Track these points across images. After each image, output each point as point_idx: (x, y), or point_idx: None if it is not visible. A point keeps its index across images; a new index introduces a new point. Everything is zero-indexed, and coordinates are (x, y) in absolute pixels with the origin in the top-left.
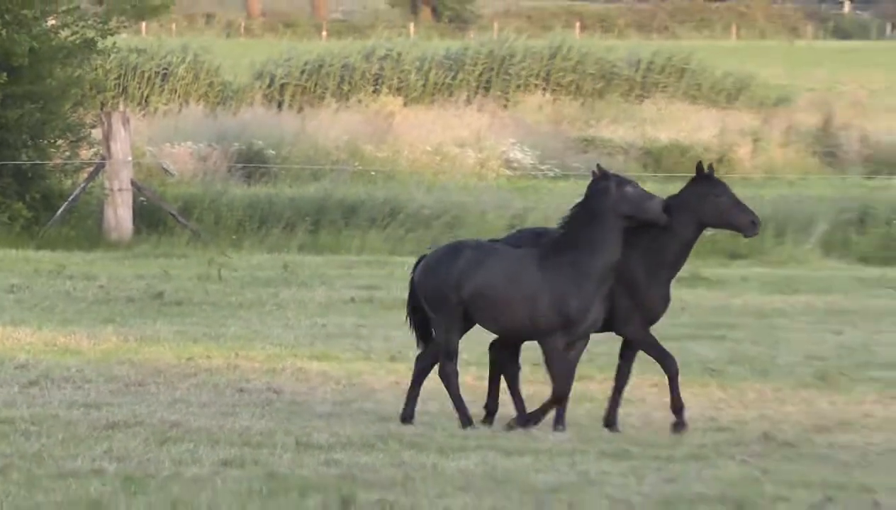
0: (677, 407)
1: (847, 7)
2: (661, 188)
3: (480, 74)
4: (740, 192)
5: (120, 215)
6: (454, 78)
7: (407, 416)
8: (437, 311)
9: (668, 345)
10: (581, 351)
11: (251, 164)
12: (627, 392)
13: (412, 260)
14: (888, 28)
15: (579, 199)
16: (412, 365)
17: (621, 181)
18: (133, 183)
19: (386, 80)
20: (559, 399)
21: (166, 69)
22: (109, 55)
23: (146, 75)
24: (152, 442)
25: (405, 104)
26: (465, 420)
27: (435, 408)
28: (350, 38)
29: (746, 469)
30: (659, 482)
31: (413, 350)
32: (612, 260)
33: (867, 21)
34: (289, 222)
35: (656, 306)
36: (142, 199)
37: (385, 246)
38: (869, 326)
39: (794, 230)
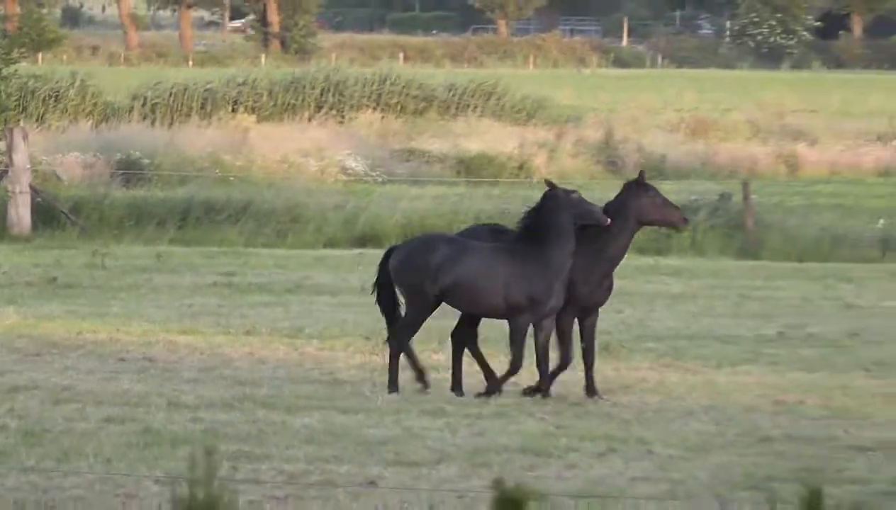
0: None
1: (625, 41)
2: (472, 191)
3: (320, 96)
4: (538, 194)
5: (21, 214)
6: (298, 99)
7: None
8: (411, 296)
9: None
10: (550, 331)
11: (129, 170)
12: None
13: (264, 251)
14: (659, 59)
15: (533, 205)
16: (264, 338)
17: (567, 191)
18: (31, 187)
19: (242, 101)
20: (516, 370)
21: (58, 92)
22: (11, 80)
23: (42, 97)
24: (47, 402)
25: (258, 121)
26: (393, 387)
27: (283, 374)
28: (212, 66)
29: (543, 425)
30: (470, 435)
31: (267, 326)
32: (568, 252)
33: (642, 53)
34: (161, 219)
35: (597, 294)
36: (39, 199)
37: (240, 239)
38: (644, 306)
39: None
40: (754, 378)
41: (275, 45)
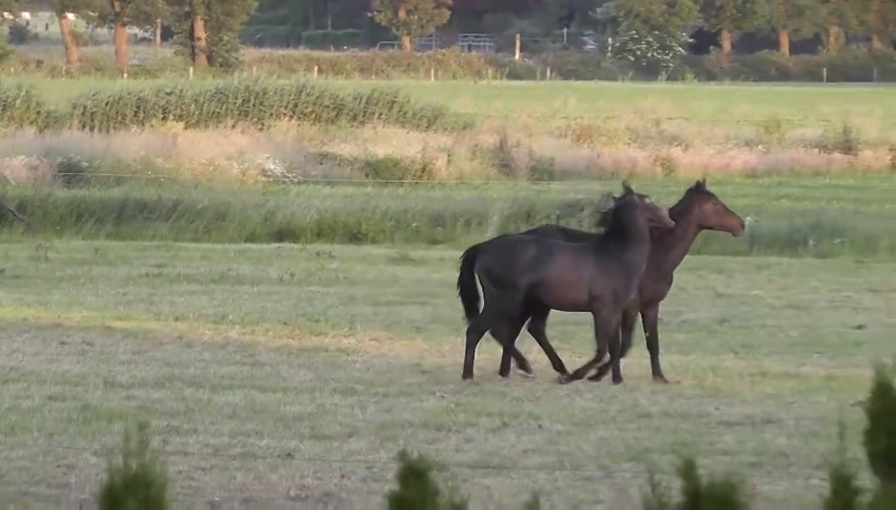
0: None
1: (518, 56)
2: (379, 191)
3: (242, 105)
4: (439, 194)
5: None
6: (222, 108)
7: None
8: (500, 291)
9: (383, 311)
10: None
11: (70, 172)
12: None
13: (192, 245)
14: (548, 72)
15: (611, 208)
16: (191, 324)
17: (641, 195)
18: None
19: (171, 110)
20: (601, 358)
21: (6, 101)
22: None
23: None
24: None
25: (185, 128)
26: (468, 371)
27: (208, 356)
28: (144, 78)
29: (444, 402)
30: (378, 412)
31: (194, 312)
32: (645, 252)
33: (532, 67)
34: (99, 217)
35: (661, 290)
36: None
37: (170, 234)
38: None
39: (478, 222)
40: (635, 360)
41: (202, 59)
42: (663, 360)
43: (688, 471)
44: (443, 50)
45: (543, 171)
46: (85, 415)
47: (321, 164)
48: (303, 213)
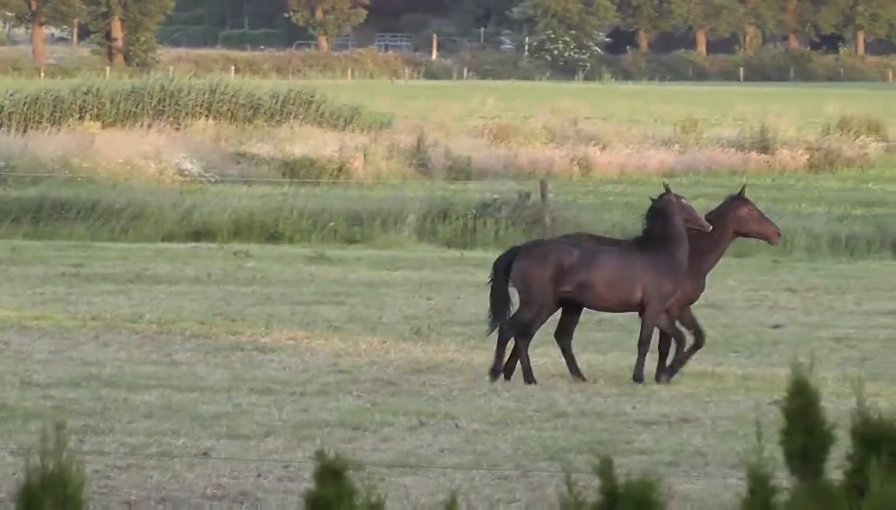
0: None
1: (435, 55)
2: (296, 190)
3: (158, 104)
4: (356, 193)
5: None
6: (138, 107)
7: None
8: (537, 295)
9: (300, 310)
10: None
11: None
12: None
13: (108, 244)
14: (465, 71)
15: (650, 208)
16: (108, 323)
17: (678, 196)
18: None
19: (88, 109)
20: (645, 352)
21: None
22: None
23: None
24: None
25: (102, 127)
26: (529, 378)
27: (125, 355)
28: (61, 78)
29: (360, 402)
30: (294, 411)
31: (110, 312)
32: (685, 252)
33: (449, 66)
34: (16, 216)
35: (695, 292)
36: None
37: (87, 233)
38: (451, 294)
39: (395, 221)
40: (551, 359)
41: (119, 58)
42: (581, 358)
43: (605, 470)
44: (360, 49)
45: (460, 171)
46: (1, 414)
47: (238, 163)
48: (220, 213)
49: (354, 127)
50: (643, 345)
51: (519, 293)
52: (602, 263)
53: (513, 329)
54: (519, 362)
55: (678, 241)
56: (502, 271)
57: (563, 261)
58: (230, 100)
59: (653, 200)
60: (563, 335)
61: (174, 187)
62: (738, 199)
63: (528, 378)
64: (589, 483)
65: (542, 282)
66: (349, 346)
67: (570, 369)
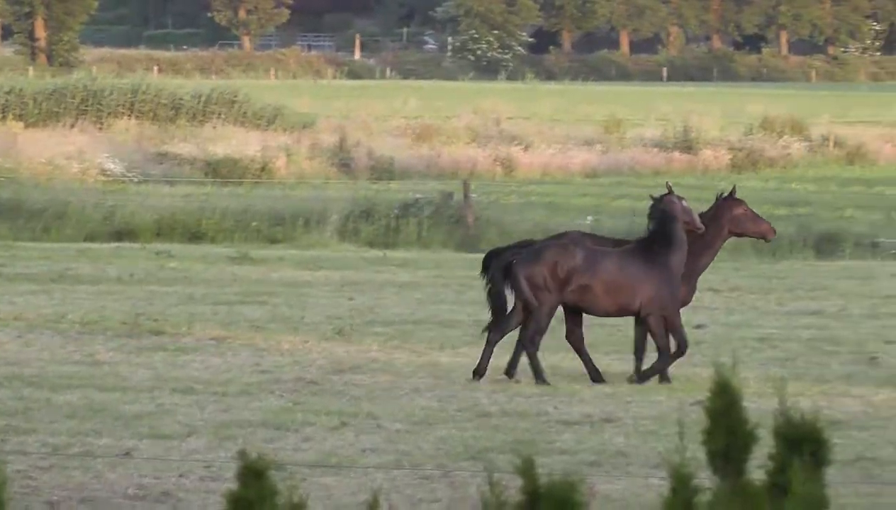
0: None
1: (357, 55)
2: (219, 190)
3: (80, 104)
4: (278, 193)
5: None
6: (61, 107)
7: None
8: (541, 298)
9: (222, 310)
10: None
11: None
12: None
13: (31, 244)
14: (388, 71)
15: (651, 210)
16: (30, 323)
17: (679, 197)
18: None
19: (11, 109)
20: (667, 356)
21: None
22: None
23: None
24: None
25: (25, 127)
26: (540, 378)
27: (47, 356)
28: None
29: (282, 402)
30: (217, 411)
31: (33, 312)
32: (685, 254)
33: (372, 66)
34: None
35: (689, 295)
36: None
37: (10, 233)
38: (374, 294)
39: (318, 221)
40: (474, 359)
41: (42, 58)
42: (503, 359)
43: (527, 470)
44: (283, 50)
45: (383, 171)
46: None
47: (161, 163)
48: (142, 213)
49: (277, 127)
50: (661, 351)
51: (522, 299)
52: (605, 267)
53: (498, 334)
54: (530, 367)
55: (681, 245)
56: (500, 273)
57: (567, 262)
58: (152, 100)
59: (655, 200)
60: (573, 336)
61: (97, 187)
62: (731, 200)
63: (540, 378)
64: (511, 483)
65: (547, 285)
66: (271, 346)
67: (588, 370)
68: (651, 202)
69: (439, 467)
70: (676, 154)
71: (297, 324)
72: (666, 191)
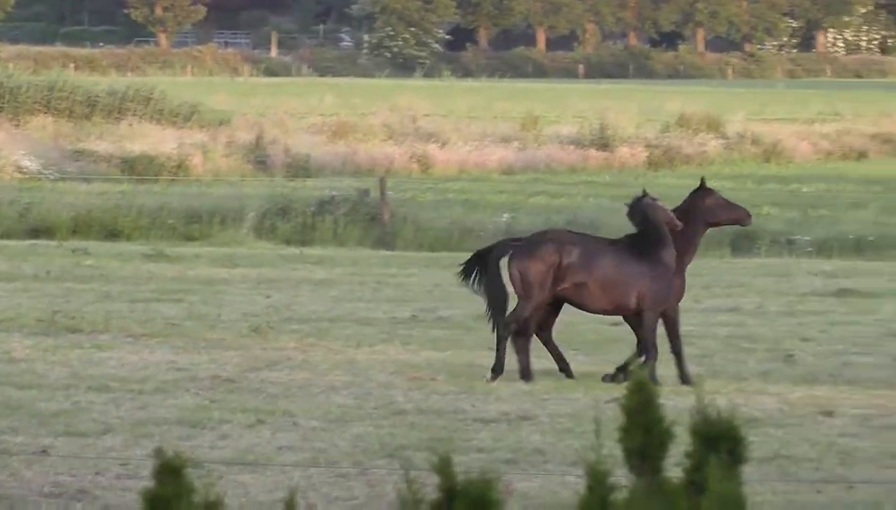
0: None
1: (274, 52)
2: (135, 187)
3: None
4: (195, 191)
5: None
6: None
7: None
8: (532, 292)
9: (139, 307)
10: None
11: None
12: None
13: None
14: (304, 68)
15: (636, 211)
16: None
17: (654, 197)
18: None
19: None
20: (653, 357)
21: None
22: None
23: None
24: None
25: None
26: (499, 367)
27: None
28: None
29: (199, 399)
30: (133, 409)
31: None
32: (674, 252)
33: (289, 63)
34: None
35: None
36: None
37: None
38: (290, 291)
39: (234, 219)
40: (390, 356)
41: None
42: (419, 356)
43: (443, 467)
44: (199, 47)
45: (299, 168)
46: None
47: (77, 160)
48: (58, 210)
49: (193, 124)
50: (648, 350)
51: (516, 291)
52: (601, 263)
53: (508, 327)
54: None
55: (668, 242)
56: (495, 265)
57: (563, 259)
58: (69, 97)
59: (632, 205)
60: (544, 330)
61: (13, 184)
62: (702, 191)
63: (526, 374)
64: (427, 480)
65: (542, 281)
66: (187, 344)
67: (559, 365)
68: (631, 203)
69: (356, 465)
70: (593, 151)
71: (214, 321)
72: (641, 193)
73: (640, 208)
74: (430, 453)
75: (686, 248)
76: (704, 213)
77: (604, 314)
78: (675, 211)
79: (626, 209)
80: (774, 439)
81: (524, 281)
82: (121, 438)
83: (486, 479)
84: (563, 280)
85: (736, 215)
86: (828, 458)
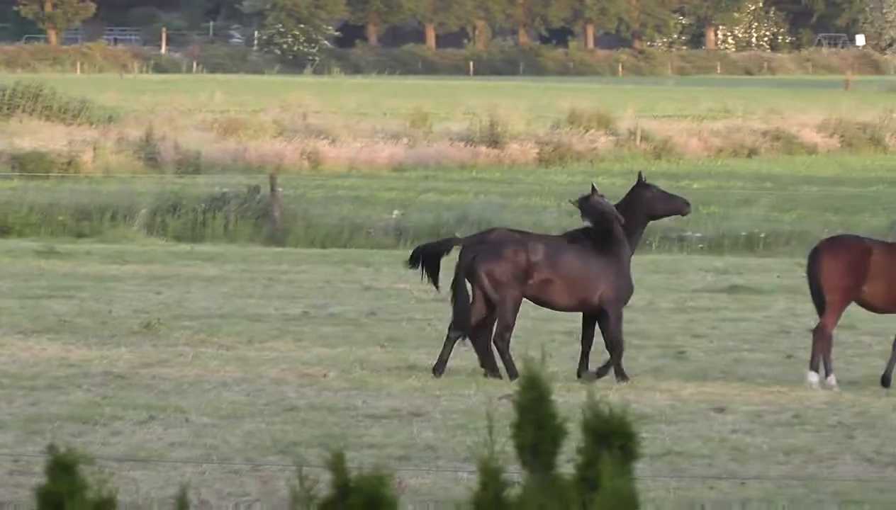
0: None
1: (164, 49)
2: (25, 184)
3: None
4: (85, 187)
5: None
6: None
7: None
8: (505, 294)
9: (29, 304)
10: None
11: None
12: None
13: None
14: (194, 65)
15: (592, 209)
16: None
17: (601, 194)
18: None
19: None
20: (621, 353)
21: None
22: None
23: None
24: None
25: None
26: (513, 373)
27: None
28: None
29: (90, 395)
30: (24, 405)
31: None
32: (626, 247)
33: (179, 60)
34: None
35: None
36: None
37: None
38: (181, 288)
39: (125, 215)
40: (281, 353)
41: None
42: (310, 353)
43: (336, 464)
44: (89, 43)
45: (189, 164)
46: None
47: None
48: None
49: (83, 121)
50: (614, 347)
51: (488, 295)
52: (566, 261)
53: (504, 337)
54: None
55: (623, 239)
56: (463, 275)
57: (530, 257)
58: None
59: (584, 202)
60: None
61: None
62: (640, 186)
63: (511, 372)
64: (320, 477)
65: (510, 280)
66: (79, 340)
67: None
68: (579, 202)
69: (248, 461)
70: (483, 148)
71: (105, 318)
72: (590, 191)
73: (595, 205)
74: (323, 449)
75: (629, 242)
76: (644, 206)
77: (568, 311)
78: (616, 206)
79: (577, 205)
80: (666, 436)
81: (493, 282)
82: (12, 435)
83: (378, 476)
84: (529, 277)
85: (674, 206)
86: (720, 455)
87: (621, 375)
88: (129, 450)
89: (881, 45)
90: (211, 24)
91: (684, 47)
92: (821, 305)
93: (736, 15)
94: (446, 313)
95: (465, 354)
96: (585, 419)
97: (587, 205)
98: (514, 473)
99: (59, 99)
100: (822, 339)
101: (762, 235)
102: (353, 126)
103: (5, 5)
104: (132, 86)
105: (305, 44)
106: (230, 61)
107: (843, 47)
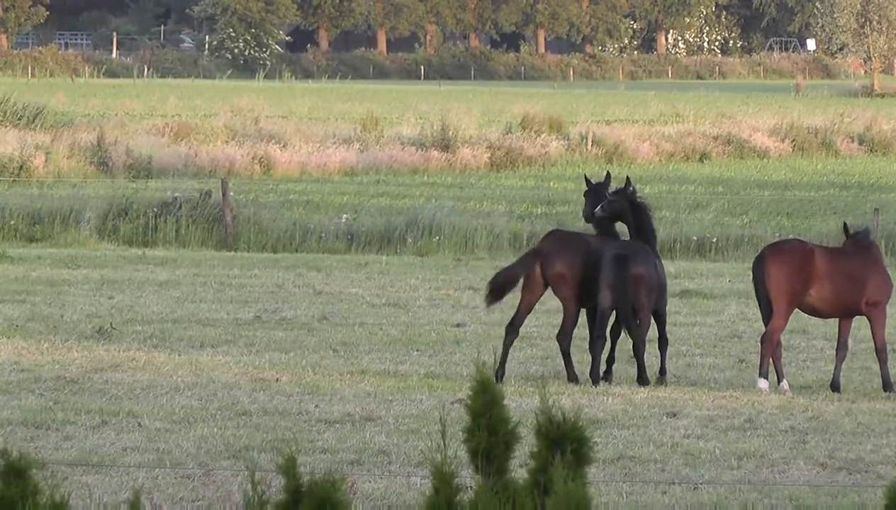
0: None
1: (115, 54)
2: None
3: None
4: (37, 192)
5: None
6: None
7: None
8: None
9: None
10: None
11: None
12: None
13: None
14: (145, 70)
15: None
16: None
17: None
18: None
19: None
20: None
21: None
22: None
23: None
24: None
25: None
26: (572, 374)
27: None
28: None
29: (42, 400)
30: None
31: None
32: None
33: (129, 64)
34: None
35: None
36: None
37: None
38: (133, 293)
39: (76, 220)
40: (234, 357)
41: None
42: (263, 358)
43: (288, 468)
44: (40, 48)
45: (141, 169)
46: None
47: None
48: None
49: (35, 125)
50: (638, 346)
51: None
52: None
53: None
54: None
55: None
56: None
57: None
58: None
59: (626, 196)
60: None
61: None
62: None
63: (570, 373)
64: (273, 481)
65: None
66: (31, 345)
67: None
68: (625, 194)
69: (201, 466)
70: (434, 152)
71: (57, 322)
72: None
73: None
74: (275, 454)
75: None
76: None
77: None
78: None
79: (618, 201)
80: (619, 440)
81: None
82: None
83: (331, 480)
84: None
85: None
86: (672, 459)
87: (604, 374)
88: (81, 455)
89: (832, 49)
90: (162, 28)
91: (635, 52)
92: (767, 311)
93: (687, 20)
94: (397, 318)
95: (416, 359)
96: (538, 424)
97: (632, 198)
98: (467, 478)
99: (10, 104)
100: (770, 345)
101: (713, 240)
102: (304, 130)
103: None
104: (83, 90)
105: (256, 48)
106: (181, 66)
107: (794, 52)
